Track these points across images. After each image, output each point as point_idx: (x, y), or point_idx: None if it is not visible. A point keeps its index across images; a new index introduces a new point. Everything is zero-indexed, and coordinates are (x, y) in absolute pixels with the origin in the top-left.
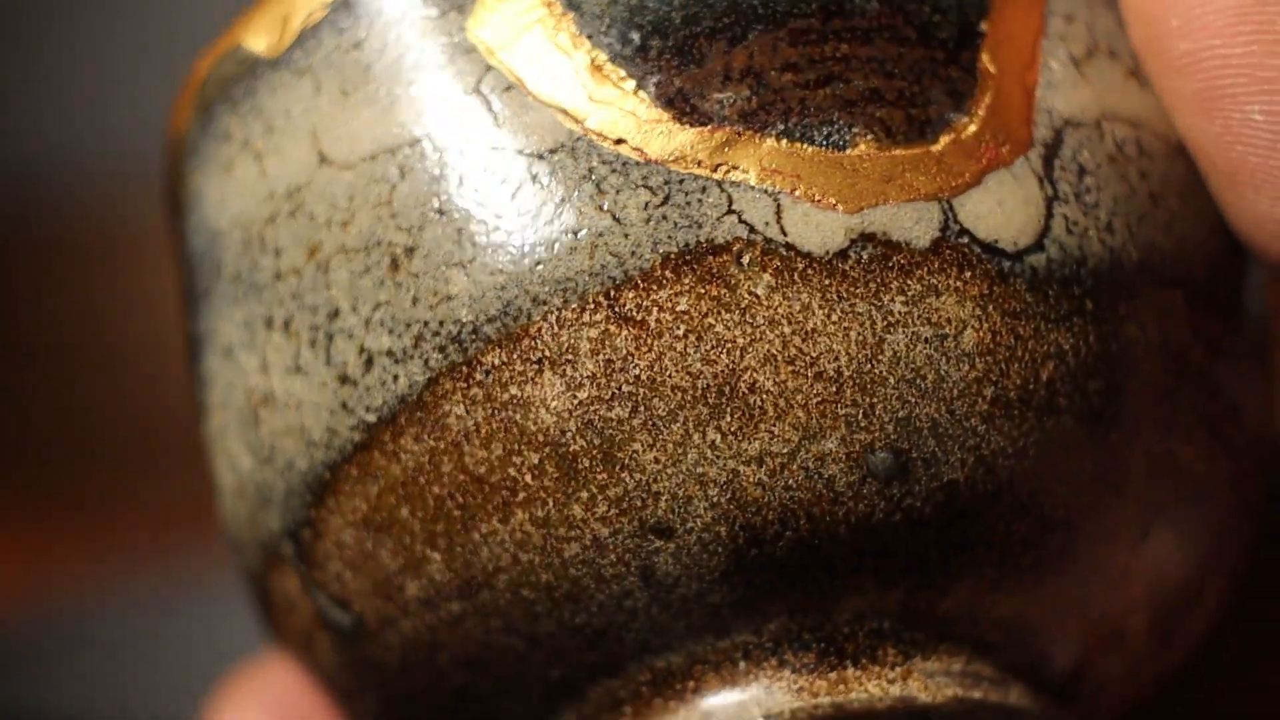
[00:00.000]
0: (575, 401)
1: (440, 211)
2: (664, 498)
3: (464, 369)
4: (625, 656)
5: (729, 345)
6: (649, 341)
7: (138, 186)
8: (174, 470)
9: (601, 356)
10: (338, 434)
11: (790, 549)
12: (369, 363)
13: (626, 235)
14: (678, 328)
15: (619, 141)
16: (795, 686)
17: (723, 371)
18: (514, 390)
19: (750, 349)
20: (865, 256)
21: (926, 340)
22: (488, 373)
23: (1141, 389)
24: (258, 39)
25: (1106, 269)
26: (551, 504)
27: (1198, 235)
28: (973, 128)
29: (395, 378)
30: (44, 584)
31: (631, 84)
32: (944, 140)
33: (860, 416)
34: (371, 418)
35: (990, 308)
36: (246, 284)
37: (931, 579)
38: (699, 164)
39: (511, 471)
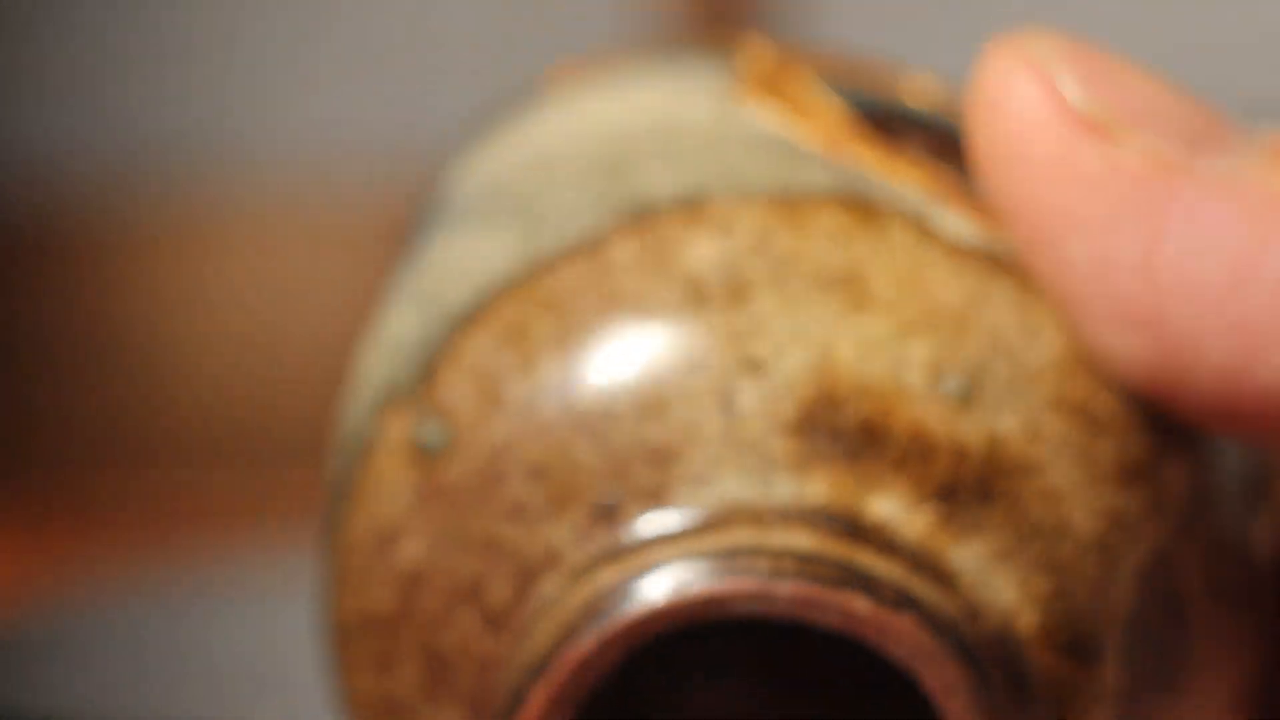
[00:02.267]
0: (723, 251)
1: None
2: (767, 339)
3: (638, 226)
4: (677, 485)
5: (862, 252)
6: (806, 233)
7: (138, 186)
8: (174, 470)
9: (762, 234)
10: (502, 271)
11: (852, 424)
12: (559, 216)
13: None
14: (827, 231)
15: None
16: (816, 539)
17: (851, 267)
18: (673, 242)
19: (881, 262)
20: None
21: (1019, 322)
22: (657, 229)
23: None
24: None
25: None
26: (670, 324)
27: None
28: None
29: (573, 226)
30: (44, 584)
31: None
32: None
33: (950, 339)
34: (545, 257)
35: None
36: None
37: (955, 514)
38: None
39: (649, 294)
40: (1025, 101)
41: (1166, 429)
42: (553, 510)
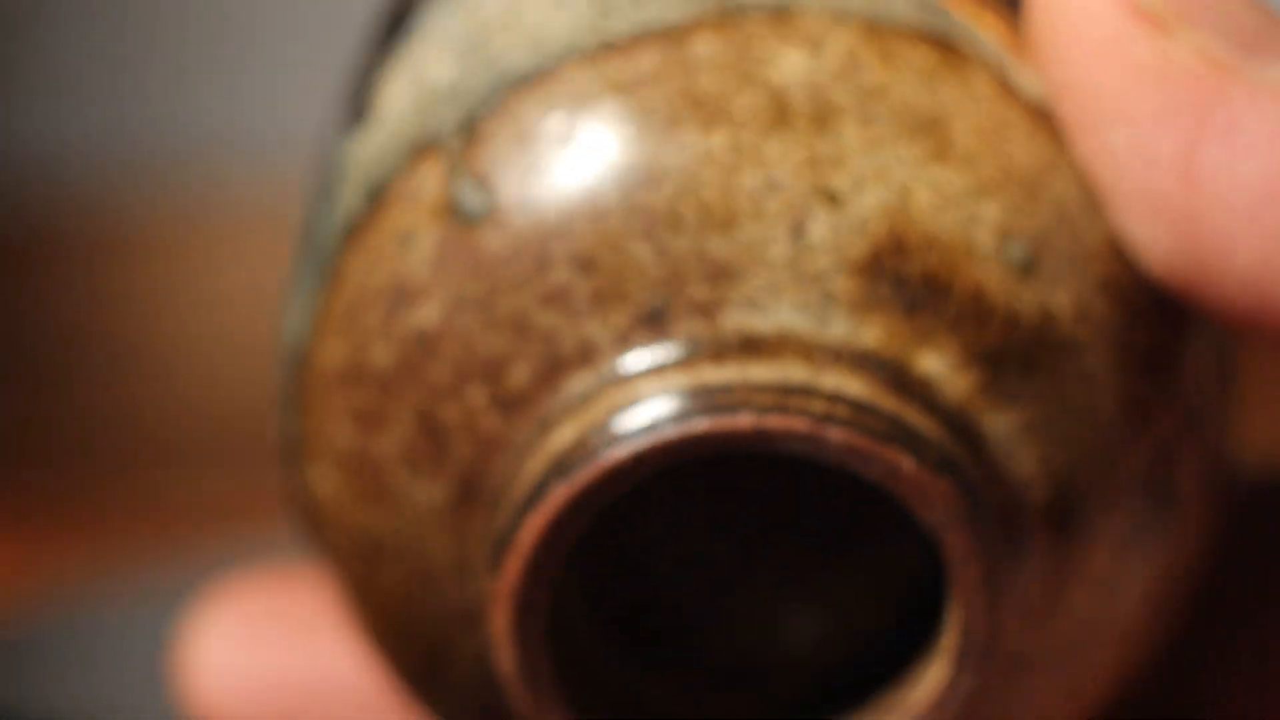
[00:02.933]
0: (811, 70)
1: None
2: (847, 172)
3: (722, 23)
4: (732, 304)
5: (948, 98)
6: (895, 67)
7: (134, 187)
8: (175, 470)
9: (851, 60)
10: (567, 39)
11: (917, 274)
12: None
13: None
14: (916, 68)
15: None
16: (867, 387)
17: (936, 112)
18: (759, 48)
19: (964, 111)
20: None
21: (1082, 196)
22: (744, 29)
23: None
24: None
25: None
26: (751, 135)
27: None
28: None
29: (654, 7)
30: (44, 584)
31: None
32: None
33: (1020, 205)
34: (619, 36)
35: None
36: None
37: (997, 381)
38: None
39: (731, 98)
40: None
41: (1189, 321)
42: (596, 305)
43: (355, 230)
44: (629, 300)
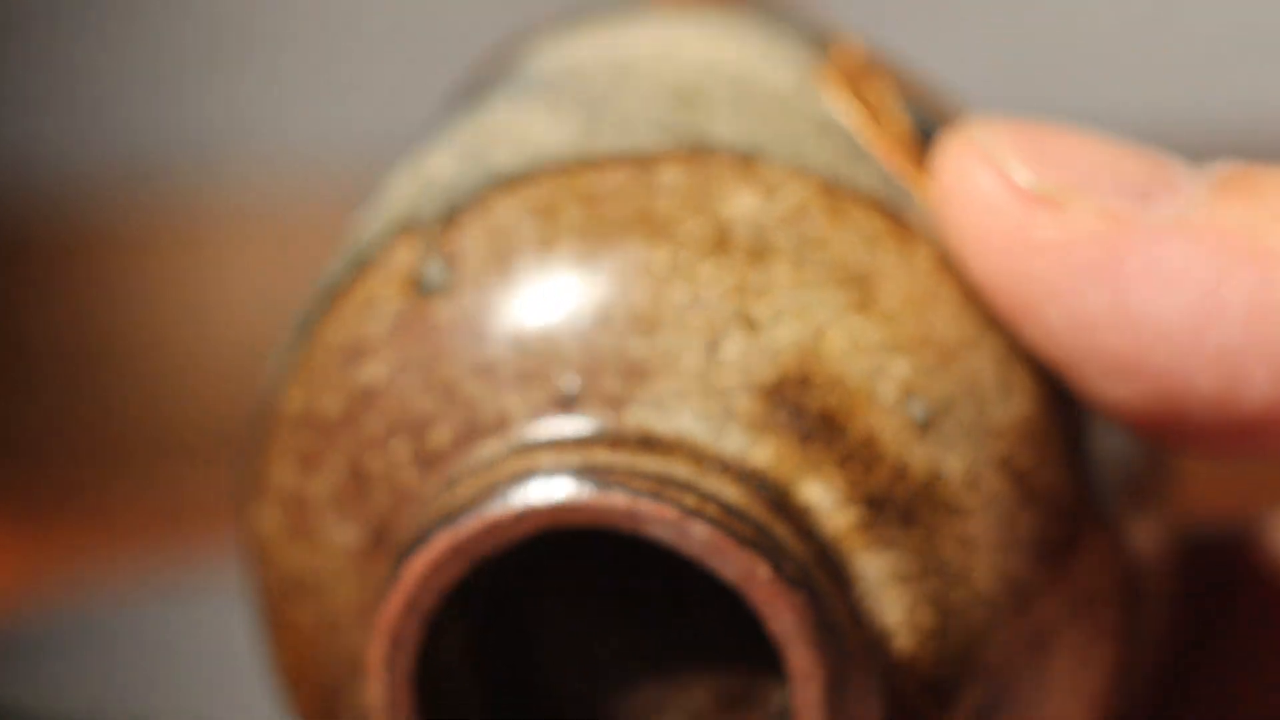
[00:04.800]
0: (761, 211)
1: None
2: (770, 304)
3: (691, 158)
4: (638, 402)
5: (884, 262)
6: (841, 224)
7: (132, 188)
8: (176, 470)
9: (801, 210)
10: (553, 151)
11: (815, 408)
12: (623, 123)
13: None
14: (860, 230)
15: None
16: (744, 497)
17: (869, 270)
18: (718, 185)
19: (897, 276)
20: None
21: (999, 378)
22: (709, 166)
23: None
24: None
25: None
26: (689, 255)
27: None
28: None
29: (633, 135)
30: (44, 584)
31: None
32: None
33: (931, 368)
34: (597, 155)
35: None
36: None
37: (875, 524)
38: None
39: (681, 221)
40: (980, 190)
41: (1094, 518)
42: (519, 381)
43: (335, 294)
44: (548, 382)
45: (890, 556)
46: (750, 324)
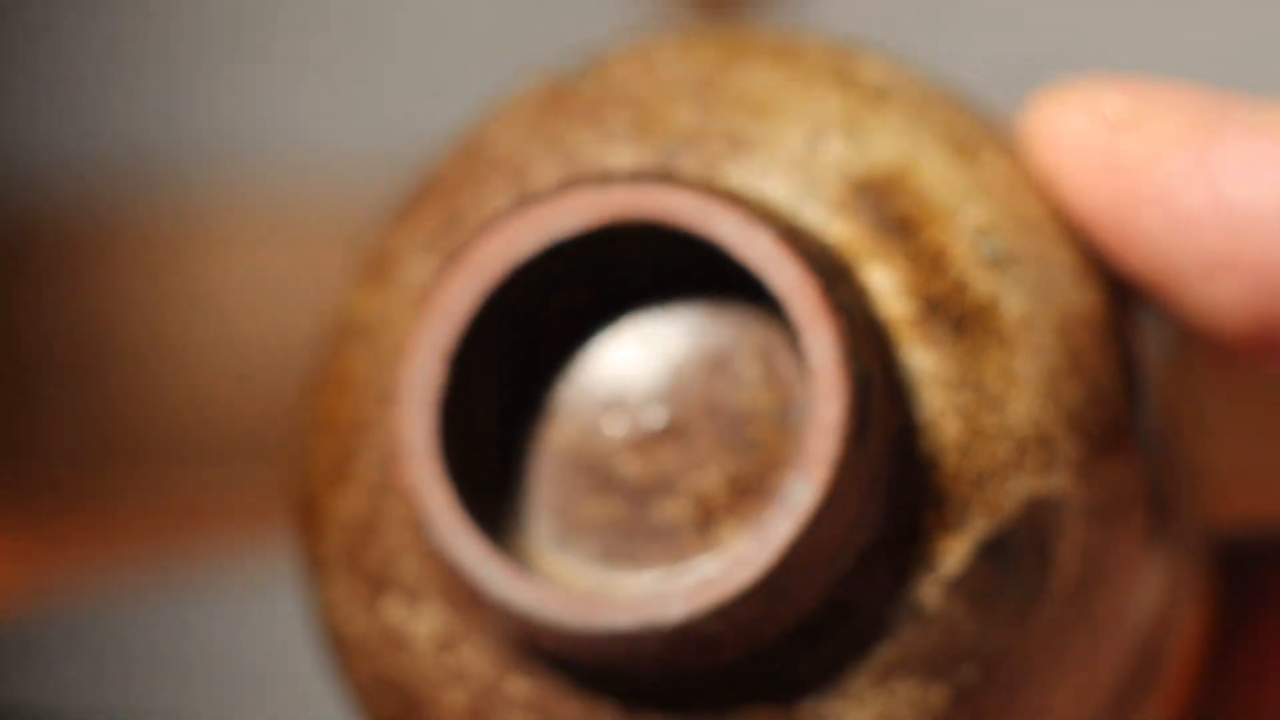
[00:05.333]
0: (892, 76)
1: None
2: (878, 122)
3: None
4: (729, 162)
5: (990, 152)
6: (953, 112)
7: (138, 186)
8: (176, 470)
9: (923, 96)
10: None
11: (896, 209)
12: None
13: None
14: (974, 124)
15: None
16: (814, 244)
17: (974, 143)
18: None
19: (998, 161)
20: None
21: (1076, 264)
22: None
23: None
24: None
25: None
26: (820, 79)
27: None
28: None
29: None
30: (44, 584)
31: None
32: None
33: (1011, 226)
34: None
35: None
36: None
37: (926, 322)
38: None
39: (842, 69)
40: (1071, 124)
41: (1134, 435)
42: (628, 138)
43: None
44: (655, 140)
45: (934, 357)
46: (855, 133)
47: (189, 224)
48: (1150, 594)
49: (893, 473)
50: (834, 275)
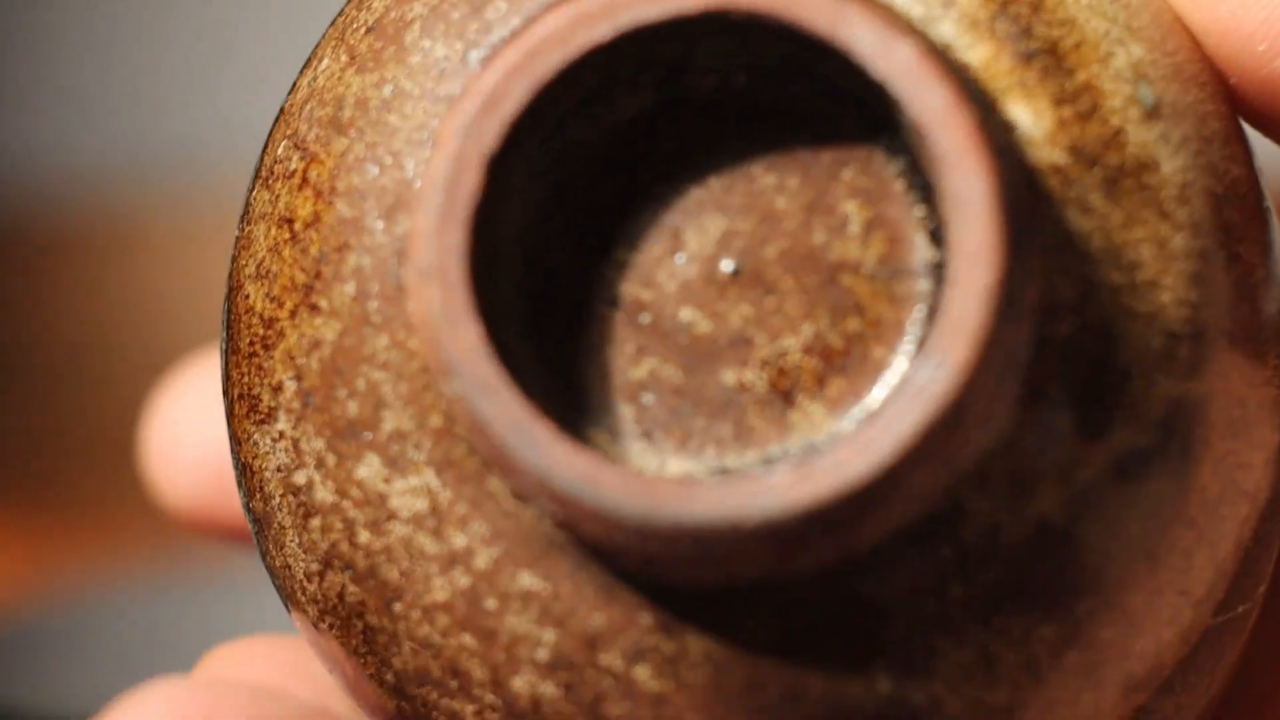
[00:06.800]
0: None
1: None
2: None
3: None
4: None
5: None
6: None
7: (138, 186)
8: None
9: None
10: None
11: (1048, 38)
12: None
13: None
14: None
15: None
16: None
17: None
18: None
19: (1150, 6)
20: None
21: (1227, 130)
22: None
23: None
24: None
25: None
26: None
27: None
28: None
29: None
30: (44, 583)
31: None
32: None
33: (1168, 74)
34: None
35: None
36: None
37: (1073, 180)
38: None
39: None
40: None
41: (1273, 333)
42: None
43: None
44: None
45: (1082, 223)
46: None
47: (183, 225)
48: (1266, 507)
49: (1030, 360)
50: (984, 107)
